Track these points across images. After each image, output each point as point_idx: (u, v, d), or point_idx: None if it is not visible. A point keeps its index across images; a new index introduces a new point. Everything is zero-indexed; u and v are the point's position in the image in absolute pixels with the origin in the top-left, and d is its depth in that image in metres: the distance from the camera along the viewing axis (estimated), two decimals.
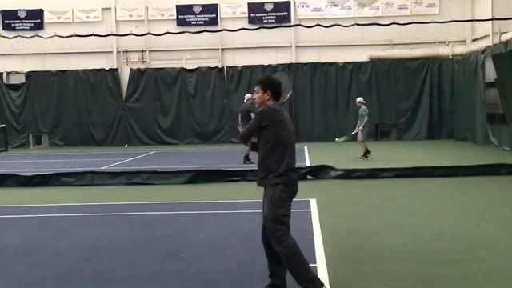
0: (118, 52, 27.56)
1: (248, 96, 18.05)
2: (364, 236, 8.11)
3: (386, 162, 16.60)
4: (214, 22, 26.75)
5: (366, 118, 18.15)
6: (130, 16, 27.34)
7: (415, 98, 26.40)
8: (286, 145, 5.55)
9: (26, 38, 24.56)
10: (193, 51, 27.39)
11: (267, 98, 5.61)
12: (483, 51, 21.69)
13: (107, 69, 27.27)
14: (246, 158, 17.26)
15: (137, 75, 27.15)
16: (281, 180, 5.48)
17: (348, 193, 12.10)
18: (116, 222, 9.78)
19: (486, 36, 23.97)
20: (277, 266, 5.61)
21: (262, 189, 5.66)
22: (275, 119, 5.52)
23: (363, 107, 18.31)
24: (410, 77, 26.43)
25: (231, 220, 9.66)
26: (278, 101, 5.66)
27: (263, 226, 5.66)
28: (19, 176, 14.45)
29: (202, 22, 26.77)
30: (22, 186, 13.95)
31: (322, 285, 5.44)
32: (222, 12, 27.13)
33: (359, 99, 18.73)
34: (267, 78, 5.90)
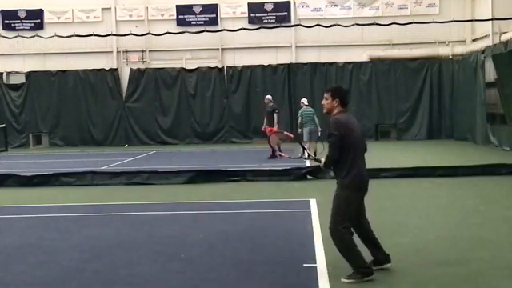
0: (118, 52, 27.56)
1: (269, 97, 19.61)
2: None
3: (385, 162, 16.59)
4: (214, 22, 26.75)
5: (299, 119, 18.50)
6: (130, 16, 27.34)
7: (415, 98, 26.39)
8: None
9: (26, 38, 24.55)
10: (193, 51, 27.39)
11: (336, 105, 6.20)
12: (483, 51, 21.69)
13: (107, 69, 27.27)
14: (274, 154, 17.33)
15: (137, 75, 27.15)
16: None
17: None
18: (116, 222, 9.78)
19: (486, 36, 23.97)
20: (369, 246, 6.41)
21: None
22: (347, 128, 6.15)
23: (304, 108, 18.45)
24: (410, 77, 26.42)
25: (231, 220, 9.66)
26: (345, 108, 6.23)
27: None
28: (19, 176, 14.45)
29: (202, 22, 26.76)
30: (21, 186, 13.94)
31: (372, 273, 6.05)
32: (222, 12, 27.13)
33: (303, 100, 19.00)
34: (337, 86, 6.60)
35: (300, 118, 18.50)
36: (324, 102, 6.28)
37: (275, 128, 18.17)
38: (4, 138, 25.52)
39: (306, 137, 17.89)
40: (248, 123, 26.61)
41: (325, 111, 6.38)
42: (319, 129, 17.94)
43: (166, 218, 10.08)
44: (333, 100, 6.21)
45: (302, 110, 18.62)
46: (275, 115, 18.67)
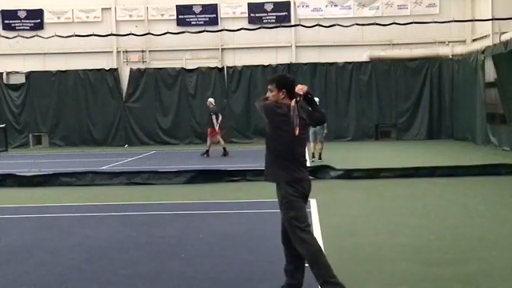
0: (118, 52, 27.58)
1: (210, 100, 20.90)
2: (364, 236, 8.10)
3: (385, 162, 16.59)
4: (214, 22, 26.76)
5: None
6: (130, 16, 27.35)
7: (415, 98, 26.41)
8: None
9: (26, 38, 24.54)
10: (193, 51, 27.40)
11: (282, 97, 5.43)
12: (483, 51, 21.69)
13: (107, 69, 27.28)
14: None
15: (137, 75, 27.16)
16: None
17: (348, 193, 12.10)
18: (116, 222, 9.78)
19: (486, 36, 23.98)
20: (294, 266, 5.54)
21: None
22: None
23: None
24: (410, 77, 26.43)
25: (231, 220, 9.66)
26: (292, 99, 5.40)
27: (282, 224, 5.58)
28: (19, 176, 14.45)
29: (202, 22, 26.77)
30: (21, 186, 13.94)
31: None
32: (222, 12, 27.14)
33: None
34: (281, 76, 5.74)
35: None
36: (269, 94, 5.48)
37: (216, 129, 20.14)
38: (4, 138, 25.54)
39: (311, 137, 17.91)
40: (248, 123, 26.61)
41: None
42: (325, 130, 17.86)
43: (166, 217, 10.08)
44: (279, 91, 5.40)
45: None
46: (213, 118, 20.15)
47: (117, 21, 27.36)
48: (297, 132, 5.26)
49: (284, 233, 5.58)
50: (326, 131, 17.84)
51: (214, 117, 20.17)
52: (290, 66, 26.71)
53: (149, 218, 10.02)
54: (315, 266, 5.30)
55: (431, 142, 24.48)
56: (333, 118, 26.36)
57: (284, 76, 5.75)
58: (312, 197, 10.93)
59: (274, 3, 26.93)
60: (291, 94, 5.39)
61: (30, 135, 27.51)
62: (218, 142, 20.45)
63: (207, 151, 20.21)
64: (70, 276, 6.53)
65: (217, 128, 20.14)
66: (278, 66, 26.66)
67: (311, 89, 26.45)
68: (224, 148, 20.39)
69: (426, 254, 7.00)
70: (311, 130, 18.05)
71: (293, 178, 5.39)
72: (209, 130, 20.42)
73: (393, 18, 23.73)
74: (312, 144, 17.65)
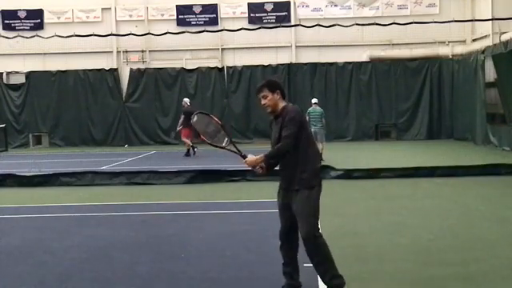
0: (118, 52, 27.57)
1: (185, 100, 21.30)
2: (364, 236, 8.11)
3: (385, 162, 16.59)
4: (214, 22, 26.76)
5: (307, 118, 18.44)
6: (130, 16, 27.35)
7: (415, 98, 26.40)
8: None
9: (26, 38, 24.56)
10: (193, 51, 27.40)
11: (278, 98, 5.54)
12: (483, 51, 21.68)
13: (107, 69, 27.28)
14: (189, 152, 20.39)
15: (137, 75, 27.15)
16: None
17: (348, 193, 12.10)
18: (116, 222, 9.78)
19: (486, 36, 23.98)
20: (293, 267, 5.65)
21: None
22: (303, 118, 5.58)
23: (312, 107, 18.39)
24: (410, 77, 26.42)
25: (231, 220, 9.66)
26: (284, 99, 5.59)
27: (284, 226, 5.63)
28: (19, 176, 14.45)
29: (202, 22, 26.77)
30: (21, 186, 13.94)
31: (344, 284, 5.50)
32: (222, 12, 27.13)
33: (312, 100, 19.08)
34: (268, 80, 5.75)
35: (308, 118, 18.38)
36: (264, 101, 5.51)
37: (179, 129, 20.64)
38: (4, 138, 25.52)
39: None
40: (248, 123, 26.61)
41: (269, 111, 5.57)
42: (324, 131, 17.86)
43: (166, 217, 10.09)
44: (273, 94, 5.50)
45: (309, 109, 18.50)
46: (182, 117, 20.50)
47: (117, 21, 27.35)
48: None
49: (284, 234, 5.62)
50: (325, 131, 17.89)
51: (182, 117, 20.39)
52: (289, 65, 26.70)
53: (149, 218, 10.02)
54: (327, 262, 5.45)
55: (431, 142, 24.48)
56: (333, 118, 26.36)
57: (270, 80, 5.78)
58: None
59: (274, 3, 26.92)
60: (283, 96, 5.59)
61: (30, 135, 27.51)
62: (187, 142, 20.59)
63: (188, 150, 20.54)
64: (70, 276, 6.53)
65: (179, 128, 20.67)
66: (277, 66, 26.65)
67: (311, 89, 26.18)
68: (188, 149, 20.56)
69: (425, 254, 7.00)
70: (312, 129, 18.04)
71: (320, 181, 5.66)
72: (182, 130, 20.60)
73: (393, 18, 23.76)
74: None
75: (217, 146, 5.79)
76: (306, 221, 5.41)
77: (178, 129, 21.06)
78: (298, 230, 5.50)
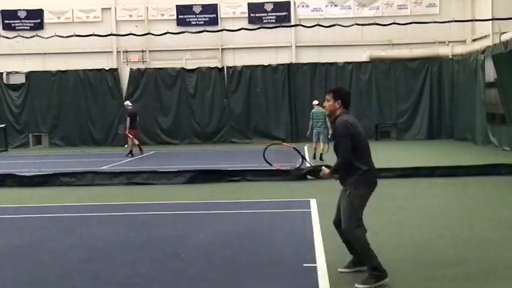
0: (118, 52, 27.57)
1: (126, 103, 22.35)
2: None
3: (386, 162, 16.58)
4: (214, 22, 26.75)
5: (311, 120, 18.39)
6: (130, 16, 27.35)
7: (415, 97, 26.39)
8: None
9: (26, 38, 24.53)
10: (193, 51, 27.39)
11: (337, 106, 6.15)
12: (483, 51, 21.68)
13: (107, 69, 27.27)
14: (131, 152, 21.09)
15: (137, 75, 27.14)
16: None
17: None
18: (116, 222, 9.78)
19: (486, 36, 23.97)
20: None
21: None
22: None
23: (315, 108, 18.35)
24: (410, 77, 26.42)
25: (231, 220, 9.66)
26: (347, 109, 6.18)
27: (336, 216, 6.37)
28: (19, 176, 14.45)
29: (202, 22, 26.77)
30: (21, 186, 13.94)
31: (386, 276, 5.91)
32: (222, 12, 27.13)
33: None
34: (339, 88, 6.52)
35: (311, 120, 18.33)
36: (326, 103, 6.28)
37: (126, 132, 21.36)
38: (4, 138, 25.52)
39: (314, 138, 17.92)
40: (248, 123, 26.61)
41: (327, 113, 6.49)
42: (330, 131, 17.81)
43: (166, 217, 10.09)
44: (335, 101, 6.17)
45: (312, 110, 18.48)
46: (128, 119, 21.40)
47: (117, 21, 27.35)
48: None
49: (336, 222, 6.41)
50: (330, 132, 17.85)
51: (128, 119, 21.29)
52: (289, 65, 26.70)
53: (149, 218, 10.02)
54: (364, 253, 6.12)
55: (431, 142, 24.47)
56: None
57: (341, 88, 6.52)
58: (312, 197, 11.03)
59: (274, 3, 26.92)
60: (346, 105, 6.17)
61: (30, 135, 27.50)
62: (133, 142, 21.27)
63: (131, 151, 21.18)
64: (70, 276, 6.53)
65: (126, 131, 21.29)
66: (278, 66, 26.65)
67: (311, 89, 26.22)
68: (131, 150, 21.20)
69: (425, 254, 7.01)
70: (315, 130, 18.03)
71: None
72: (129, 131, 21.29)
73: (393, 18, 23.72)
74: (315, 144, 17.71)
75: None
76: (345, 217, 6.12)
77: (126, 131, 21.44)
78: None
